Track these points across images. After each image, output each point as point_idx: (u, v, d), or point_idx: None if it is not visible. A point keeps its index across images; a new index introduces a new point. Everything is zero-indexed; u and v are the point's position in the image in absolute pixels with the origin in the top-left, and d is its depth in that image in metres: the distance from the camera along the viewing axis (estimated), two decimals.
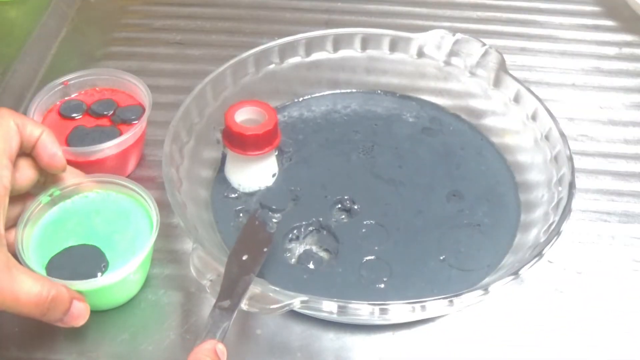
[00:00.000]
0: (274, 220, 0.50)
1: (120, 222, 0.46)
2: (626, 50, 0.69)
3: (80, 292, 0.42)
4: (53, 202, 0.47)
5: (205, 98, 0.53)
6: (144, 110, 0.54)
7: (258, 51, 0.56)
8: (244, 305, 0.39)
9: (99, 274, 0.43)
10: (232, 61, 0.55)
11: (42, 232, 0.45)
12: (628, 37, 0.71)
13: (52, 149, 0.44)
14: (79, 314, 0.41)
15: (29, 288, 0.39)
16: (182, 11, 0.72)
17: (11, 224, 0.44)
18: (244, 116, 0.51)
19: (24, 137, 0.43)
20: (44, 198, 0.46)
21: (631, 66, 0.67)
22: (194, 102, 0.52)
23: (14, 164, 0.42)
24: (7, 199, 0.41)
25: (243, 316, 0.46)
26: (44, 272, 0.42)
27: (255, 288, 0.39)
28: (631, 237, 0.52)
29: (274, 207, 0.51)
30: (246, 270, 0.41)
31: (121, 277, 0.43)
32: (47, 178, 0.46)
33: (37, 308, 0.39)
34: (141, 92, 0.55)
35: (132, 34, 0.70)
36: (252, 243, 0.45)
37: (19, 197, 0.45)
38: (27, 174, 0.44)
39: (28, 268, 0.41)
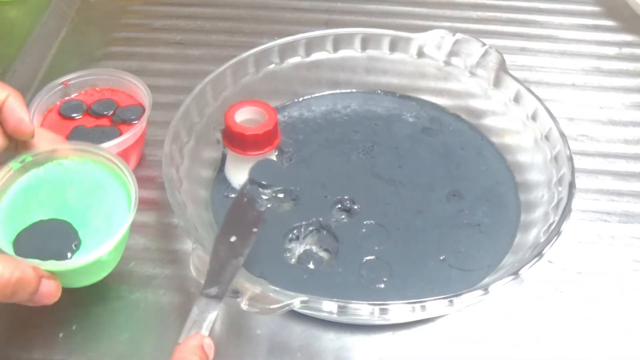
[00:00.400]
0: (265, 197, 0.48)
1: (95, 196, 0.43)
2: (626, 50, 0.69)
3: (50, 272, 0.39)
4: (24, 169, 0.43)
5: (205, 98, 0.53)
6: (144, 110, 0.54)
7: (258, 51, 0.56)
8: (243, 305, 0.39)
9: (69, 254, 0.40)
10: (232, 61, 0.55)
11: (11, 202, 0.42)
12: (628, 37, 0.71)
13: (18, 113, 0.41)
14: (49, 292, 0.39)
15: None
16: (182, 11, 0.72)
17: None
18: (244, 116, 0.51)
19: None
20: (14, 164, 0.43)
21: (631, 66, 0.67)
22: (194, 102, 0.52)
23: None
24: None
25: (243, 316, 0.46)
26: (10, 248, 0.40)
27: (255, 288, 0.39)
28: (631, 237, 0.52)
29: (264, 182, 0.48)
30: (234, 253, 0.39)
31: (94, 259, 0.40)
32: (18, 145, 0.43)
33: (0, 291, 0.36)
34: (141, 92, 0.55)
35: (132, 34, 0.70)
36: (241, 223, 0.42)
37: None
38: None
39: None
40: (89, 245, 0.41)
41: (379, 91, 0.61)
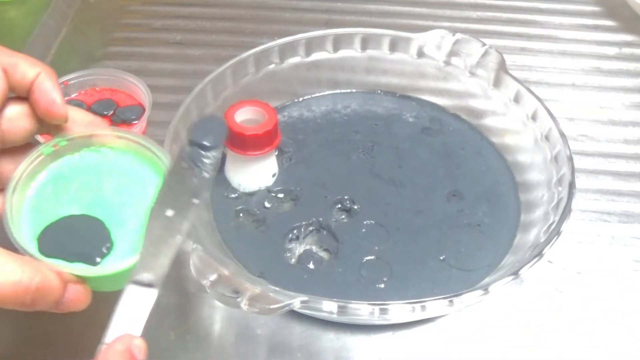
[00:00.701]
0: (208, 161, 0.37)
1: (133, 192, 0.38)
2: (626, 50, 0.69)
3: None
4: (57, 155, 0.38)
5: (205, 98, 0.53)
6: (144, 110, 0.54)
7: (258, 51, 0.56)
8: (243, 305, 0.39)
9: (99, 258, 0.36)
10: (232, 61, 0.55)
11: (39, 191, 0.38)
12: (628, 37, 0.71)
13: (50, 94, 0.36)
14: (76, 298, 0.34)
15: (5, 275, 0.31)
16: (182, 11, 0.72)
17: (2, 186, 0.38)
18: (244, 116, 0.51)
19: (14, 81, 0.36)
20: (46, 148, 0.38)
21: (631, 66, 0.67)
22: (194, 102, 0.52)
23: (2, 113, 0.36)
24: None
25: (243, 316, 0.46)
26: (34, 245, 0.36)
27: (255, 288, 0.39)
28: (631, 237, 0.52)
29: (206, 143, 0.38)
30: (171, 230, 0.33)
31: (126, 267, 0.35)
32: (50, 129, 0.38)
33: (17, 299, 0.32)
34: (141, 92, 0.55)
35: (132, 34, 0.70)
36: (180, 193, 0.35)
37: (14, 150, 0.37)
38: (20, 123, 0.36)
39: (14, 239, 0.34)
40: (122, 249, 0.36)
41: (379, 91, 0.61)
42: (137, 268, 0.32)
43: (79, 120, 0.39)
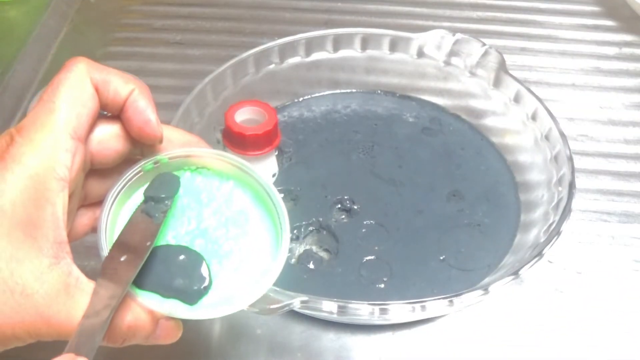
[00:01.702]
0: (162, 210, 0.34)
1: (236, 225, 0.35)
2: (626, 50, 0.69)
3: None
4: (157, 172, 0.35)
5: (205, 98, 0.53)
6: None
7: (258, 51, 0.56)
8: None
9: (196, 298, 0.32)
10: (232, 61, 0.55)
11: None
12: (628, 37, 0.71)
13: (144, 113, 0.33)
14: (168, 334, 0.32)
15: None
16: (182, 11, 0.72)
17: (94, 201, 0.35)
18: (244, 116, 0.51)
19: (106, 100, 0.33)
20: (147, 164, 0.35)
21: (631, 66, 0.67)
22: (194, 102, 0.52)
23: (91, 134, 0.33)
24: (65, 195, 0.30)
25: (243, 316, 0.46)
26: None
27: None
28: (631, 237, 0.52)
29: (161, 195, 0.35)
30: (118, 277, 0.31)
31: (225, 314, 0.32)
32: (144, 151, 0.35)
33: (107, 339, 0.30)
34: None
35: (132, 34, 0.70)
36: (135, 239, 0.33)
37: (103, 172, 0.34)
38: (111, 144, 0.33)
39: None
40: (221, 290, 0.33)
41: (379, 91, 0.61)
42: (87, 308, 0.30)
43: (175, 140, 0.35)
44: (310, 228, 0.50)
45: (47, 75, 0.64)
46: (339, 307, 0.40)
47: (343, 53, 0.59)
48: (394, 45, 0.58)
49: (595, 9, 0.74)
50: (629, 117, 0.62)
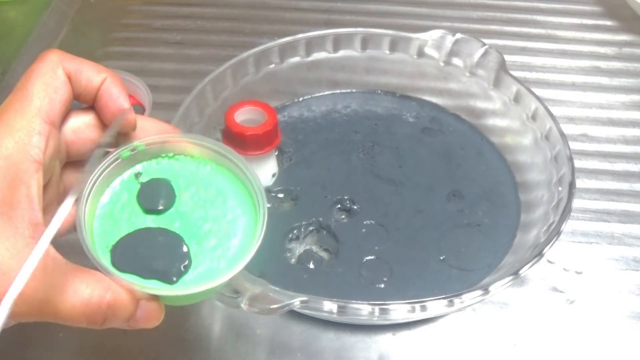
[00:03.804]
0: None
1: (214, 207, 0.35)
2: (626, 50, 0.69)
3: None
4: (134, 160, 0.36)
5: (205, 98, 0.53)
6: (144, 110, 0.54)
7: (258, 51, 0.56)
8: (243, 305, 0.39)
9: (176, 277, 0.33)
10: (232, 61, 0.55)
11: (115, 198, 0.35)
12: (628, 37, 0.71)
13: (117, 100, 0.33)
14: (149, 315, 0.33)
15: (74, 294, 0.30)
16: (182, 11, 0.72)
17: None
18: (244, 116, 0.51)
19: (79, 88, 0.33)
20: (124, 152, 0.35)
21: (631, 66, 0.67)
22: (194, 102, 0.52)
23: (66, 123, 0.33)
24: (39, 177, 0.31)
25: (243, 316, 0.46)
26: (108, 257, 0.33)
27: (255, 288, 0.39)
28: (631, 237, 0.52)
29: (160, 207, 0.36)
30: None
31: (205, 289, 0.32)
32: (118, 139, 0.35)
33: (88, 318, 0.30)
34: (141, 92, 0.55)
35: (132, 34, 0.70)
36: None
37: (80, 164, 0.35)
38: (86, 134, 0.34)
39: (89, 251, 0.31)
40: (200, 268, 0.33)
41: (379, 91, 0.61)
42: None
43: (151, 129, 0.36)
44: (310, 228, 0.50)
45: None
46: (339, 307, 0.40)
47: (343, 53, 0.59)
48: (394, 45, 0.58)
49: (595, 9, 0.74)
50: (629, 117, 0.62)
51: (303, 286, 0.45)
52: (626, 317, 0.48)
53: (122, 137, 0.35)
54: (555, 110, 0.52)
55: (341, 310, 0.40)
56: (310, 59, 0.58)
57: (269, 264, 0.48)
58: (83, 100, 0.34)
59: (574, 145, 0.53)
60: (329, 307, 0.40)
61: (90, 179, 0.34)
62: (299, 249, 0.50)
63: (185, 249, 0.34)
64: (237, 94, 0.55)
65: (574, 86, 0.65)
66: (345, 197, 0.52)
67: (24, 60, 0.64)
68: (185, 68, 0.65)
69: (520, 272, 0.42)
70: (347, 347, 0.45)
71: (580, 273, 0.50)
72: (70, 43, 0.68)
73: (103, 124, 0.34)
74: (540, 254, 0.43)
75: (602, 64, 0.67)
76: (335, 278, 0.47)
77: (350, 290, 0.46)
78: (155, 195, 0.35)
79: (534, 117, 0.53)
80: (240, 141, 0.50)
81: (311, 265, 0.48)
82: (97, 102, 0.34)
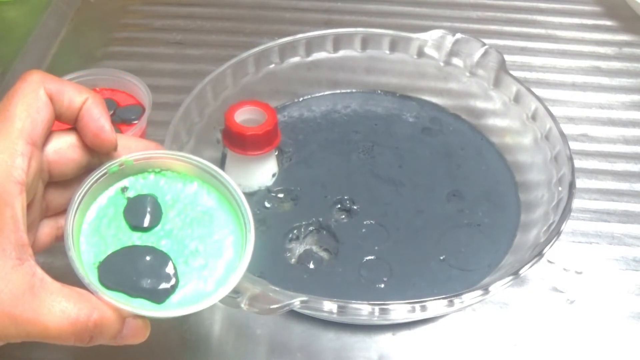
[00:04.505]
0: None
1: (201, 225, 0.35)
2: (626, 50, 0.69)
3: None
4: (121, 175, 0.36)
5: (205, 98, 0.53)
6: (144, 110, 0.54)
7: (258, 51, 0.56)
8: (243, 305, 0.39)
9: (163, 297, 0.33)
10: (232, 61, 0.55)
11: (101, 213, 0.35)
12: (628, 37, 0.71)
13: (98, 120, 0.34)
14: (135, 332, 0.33)
15: (61, 314, 0.30)
16: (182, 11, 0.72)
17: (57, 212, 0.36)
18: (244, 116, 0.51)
19: (60, 109, 0.34)
20: (112, 166, 0.35)
21: (631, 66, 0.67)
22: (194, 102, 0.52)
23: (48, 144, 0.34)
24: (23, 198, 0.31)
25: (243, 316, 0.46)
26: (95, 273, 0.33)
27: (255, 288, 0.39)
28: (631, 237, 0.52)
29: (145, 225, 0.36)
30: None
31: (193, 312, 0.33)
32: (101, 159, 0.36)
33: (75, 337, 0.31)
34: (141, 92, 0.55)
35: (132, 34, 0.70)
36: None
37: (64, 183, 0.35)
38: (69, 154, 0.34)
39: (76, 269, 0.32)
40: (187, 288, 0.34)
41: (379, 91, 0.61)
42: None
43: (134, 148, 0.36)
44: (310, 228, 0.50)
45: None
46: (339, 307, 0.40)
47: (343, 53, 0.59)
48: (394, 45, 0.58)
49: (595, 9, 0.74)
50: (629, 117, 0.62)
51: (303, 286, 0.45)
52: (626, 317, 0.48)
53: (105, 157, 0.36)
54: (555, 110, 0.52)
55: (341, 310, 0.40)
56: (310, 59, 0.58)
57: (269, 264, 0.48)
58: (65, 121, 0.34)
59: (574, 145, 0.53)
60: (329, 307, 0.40)
61: (78, 194, 0.34)
62: (299, 249, 0.50)
63: (172, 268, 0.34)
64: (237, 94, 0.55)
65: (574, 86, 0.65)
66: (345, 197, 0.52)
67: (24, 60, 0.64)
68: (185, 68, 0.65)
69: (520, 272, 0.42)
70: (347, 347, 0.45)
71: (580, 273, 0.50)
72: (70, 43, 0.68)
73: (85, 144, 0.35)
74: (540, 254, 0.43)
75: (602, 64, 0.67)
76: (335, 278, 0.47)
77: (350, 290, 0.46)
78: (142, 212, 0.35)
79: (534, 117, 0.53)
80: (240, 141, 0.50)
81: (311, 265, 0.48)
82: (79, 122, 0.34)
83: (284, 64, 0.58)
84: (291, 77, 0.58)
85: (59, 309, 0.30)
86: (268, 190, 0.53)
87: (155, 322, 0.34)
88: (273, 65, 0.57)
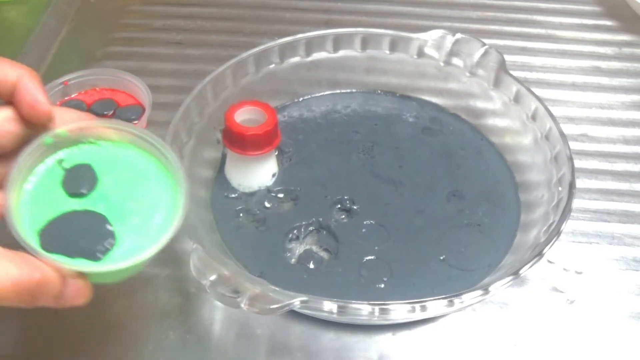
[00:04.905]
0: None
1: (136, 187, 0.37)
2: (626, 50, 0.69)
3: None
4: (57, 146, 0.38)
5: (205, 98, 0.53)
6: (144, 110, 0.54)
7: (258, 51, 0.56)
8: (243, 305, 0.39)
9: (101, 254, 0.35)
10: (232, 61, 0.55)
11: (40, 184, 0.37)
12: (628, 37, 0.71)
13: (33, 93, 0.35)
14: (76, 294, 0.34)
15: (5, 275, 0.31)
16: (182, 11, 0.72)
17: None
18: (244, 116, 0.51)
19: None
20: (47, 138, 0.37)
21: (631, 66, 0.67)
22: (194, 102, 0.52)
23: None
24: None
25: (243, 316, 0.46)
26: (36, 239, 0.35)
27: (255, 288, 0.39)
28: (631, 237, 0.52)
29: (83, 191, 0.38)
30: None
31: (128, 265, 0.34)
32: (39, 131, 0.37)
33: (17, 297, 0.32)
34: (141, 92, 0.55)
35: (132, 34, 0.70)
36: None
37: (6, 156, 0.37)
38: (7, 127, 0.36)
39: (18, 235, 0.33)
40: (126, 245, 0.36)
41: (379, 91, 0.61)
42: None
43: (68, 119, 0.38)
44: (310, 228, 0.50)
45: (47, 75, 0.63)
46: (339, 307, 0.40)
47: (343, 53, 0.59)
48: (394, 45, 0.58)
49: (595, 9, 0.74)
50: (629, 117, 0.62)
51: (303, 286, 0.45)
52: (626, 317, 0.48)
53: (42, 129, 0.37)
54: (555, 110, 0.52)
55: (341, 310, 0.40)
56: (310, 59, 0.58)
57: (269, 264, 0.48)
58: (1, 96, 0.36)
59: (574, 145, 0.53)
60: (329, 307, 0.40)
61: (16, 165, 0.35)
62: (299, 249, 0.50)
63: (109, 227, 0.36)
64: (237, 94, 0.55)
65: (574, 86, 0.65)
66: (345, 197, 0.52)
67: (24, 60, 0.64)
68: (185, 68, 0.65)
69: (520, 272, 0.42)
70: (347, 347, 0.45)
71: (580, 273, 0.50)
72: (70, 43, 0.68)
73: (22, 117, 0.36)
74: (540, 254, 0.43)
75: (602, 64, 0.67)
76: (335, 278, 0.47)
77: (350, 290, 0.46)
78: (78, 180, 0.37)
79: (534, 117, 0.53)
80: (240, 141, 0.50)
81: (311, 265, 0.48)
82: (15, 96, 0.35)
83: (284, 64, 0.58)
84: (291, 77, 0.58)
85: (2, 270, 0.31)
86: (268, 190, 0.53)
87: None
88: (273, 65, 0.57)
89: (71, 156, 0.38)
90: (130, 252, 0.35)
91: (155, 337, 0.45)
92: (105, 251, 0.35)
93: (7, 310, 0.35)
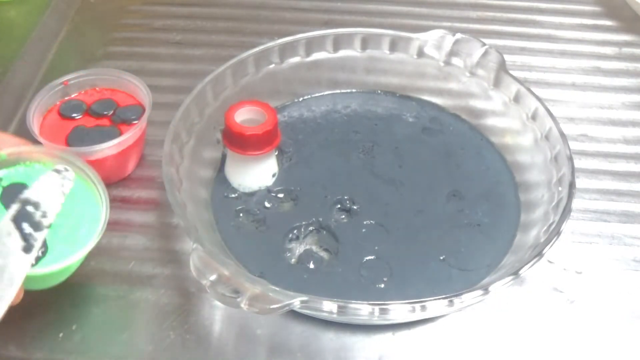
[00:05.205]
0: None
1: (65, 203, 0.42)
2: (626, 50, 0.69)
3: None
4: None
5: (205, 98, 0.53)
6: (144, 110, 0.54)
7: (258, 51, 0.56)
8: (243, 305, 0.39)
9: (36, 262, 0.41)
10: (232, 61, 0.55)
11: None
12: (628, 37, 0.71)
13: None
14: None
15: None
16: (182, 11, 0.72)
17: None
18: (244, 116, 0.51)
19: None
20: None
21: (631, 66, 0.67)
22: (194, 102, 0.52)
23: None
24: None
25: (243, 316, 0.46)
26: None
27: (255, 288, 0.39)
28: (631, 237, 0.52)
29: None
30: None
31: (59, 269, 0.41)
32: None
33: None
34: (141, 92, 0.55)
35: (132, 34, 0.70)
36: None
37: None
38: None
39: None
40: (54, 254, 0.42)
41: (379, 91, 0.61)
42: None
43: (7, 142, 0.43)
44: (310, 228, 0.50)
45: (47, 75, 0.64)
46: (339, 307, 0.40)
47: (343, 53, 0.59)
48: (394, 45, 0.58)
49: (595, 9, 0.74)
50: (629, 117, 0.62)
51: (303, 286, 0.45)
52: (626, 317, 0.48)
53: None
54: (555, 110, 0.52)
55: (341, 310, 0.40)
56: (310, 59, 0.58)
57: (269, 264, 0.48)
58: None
59: (574, 145, 0.53)
60: (329, 307, 0.40)
61: None
62: (299, 249, 0.50)
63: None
64: (237, 94, 0.55)
65: (574, 86, 0.65)
66: (345, 197, 0.52)
67: (24, 60, 0.64)
68: (185, 68, 0.65)
69: (520, 272, 0.42)
70: (347, 347, 0.45)
71: (580, 273, 0.50)
72: (70, 43, 0.68)
73: None
74: (540, 254, 0.43)
75: (602, 64, 0.67)
76: (335, 278, 0.47)
77: (350, 290, 0.46)
78: (14, 197, 0.41)
79: (534, 117, 0.53)
80: (240, 141, 0.50)
81: (311, 265, 0.48)
82: None
83: (284, 64, 0.58)
84: (291, 77, 0.58)
85: None
86: (268, 190, 0.53)
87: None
88: (273, 65, 0.57)
89: (8, 176, 0.44)
90: (60, 259, 0.41)
91: (155, 337, 0.45)
92: (38, 259, 0.41)
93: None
